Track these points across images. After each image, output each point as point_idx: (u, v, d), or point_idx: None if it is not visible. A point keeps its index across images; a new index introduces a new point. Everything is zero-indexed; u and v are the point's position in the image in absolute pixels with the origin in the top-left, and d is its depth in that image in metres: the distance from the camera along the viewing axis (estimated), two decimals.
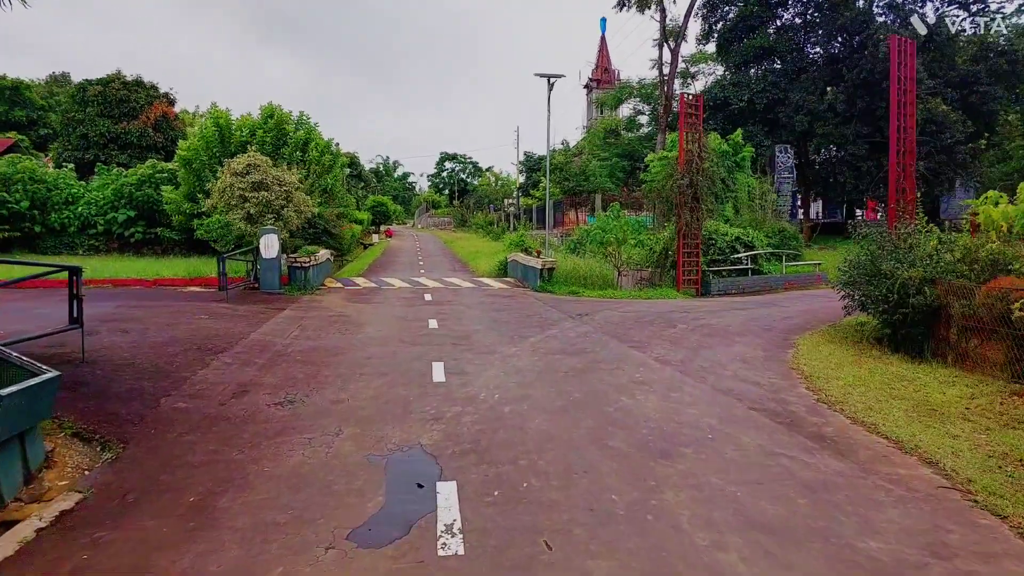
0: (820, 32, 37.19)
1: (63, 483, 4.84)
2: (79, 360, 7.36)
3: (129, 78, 39.70)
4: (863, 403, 7.28)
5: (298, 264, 17.44)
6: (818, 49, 38.55)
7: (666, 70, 36.77)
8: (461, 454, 5.40)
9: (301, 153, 29.04)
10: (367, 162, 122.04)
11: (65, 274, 7.29)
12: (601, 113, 69.11)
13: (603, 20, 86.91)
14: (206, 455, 5.28)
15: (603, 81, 77.54)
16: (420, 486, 4.77)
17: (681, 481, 4.94)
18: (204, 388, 7.18)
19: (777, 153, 34.33)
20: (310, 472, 4.96)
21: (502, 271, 22.32)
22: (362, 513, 4.29)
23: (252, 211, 18.64)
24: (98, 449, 5.39)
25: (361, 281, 19.76)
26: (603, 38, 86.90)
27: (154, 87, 40.81)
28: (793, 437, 6.11)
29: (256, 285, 17.09)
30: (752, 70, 38.08)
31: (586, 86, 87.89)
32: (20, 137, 50.69)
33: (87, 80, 39.61)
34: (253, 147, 23.16)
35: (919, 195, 17.59)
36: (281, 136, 29.69)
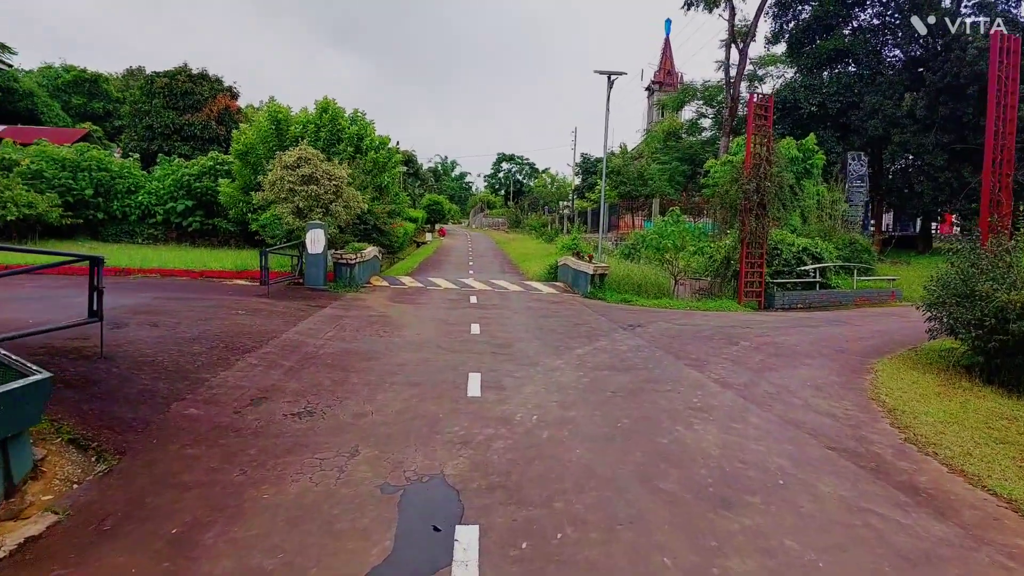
0: (900, 34, 34.97)
1: (47, 497, 4.36)
2: (97, 355, 7.00)
3: (195, 71, 40.77)
4: (960, 446, 6.24)
5: (344, 260, 17.12)
6: (897, 52, 36.28)
7: (733, 72, 35.23)
8: (488, 489, 4.69)
9: (355, 149, 29.03)
10: (426, 162, 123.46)
11: (105, 261, 6.91)
12: (662, 115, 67.47)
13: (668, 22, 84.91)
14: (204, 474, 4.73)
15: (666, 84, 75.74)
16: (437, 529, 4.08)
17: (748, 543, 4.09)
18: (221, 392, 6.69)
19: (849, 160, 32.37)
20: (313, 503, 4.33)
21: (552, 275, 21.56)
22: (363, 562, 3.63)
23: (301, 205, 18.46)
24: (93, 459, 4.91)
25: (407, 280, 19.36)
26: (667, 40, 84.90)
27: (218, 80, 41.74)
28: (880, 487, 5.17)
29: (301, 280, 16.85)
30: (824, 73, 36.12)
31: (647, 88, 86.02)
32: (94, 128, 52.81)
33: (155, 72, 40.85)
34: (305, 141, 23.11)
35: (1019, 208, 15.94)
36: (336, 131, 29.72)
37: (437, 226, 66.56)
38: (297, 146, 20.78)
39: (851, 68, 35.62)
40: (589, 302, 16.74)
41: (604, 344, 10.70)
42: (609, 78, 20.56)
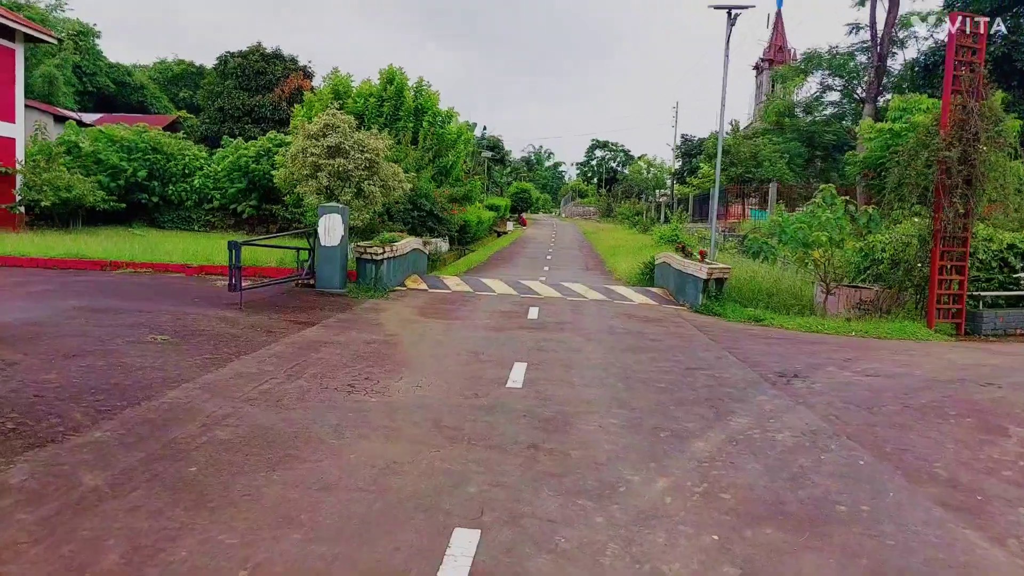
0: None
1: None
2: None
3: (269, 51, 38.43)
4: None
5: (367, 255, 12.95)
6: None
7: (879, 26, 28.30)
8: None
9: (415, 123, 25.04)
10: (519, 151, 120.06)
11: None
12: (773, 90, 59.63)
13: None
14: None
15: (776, 61, 67.93)
16: None
17: None
18: None
19: None
20: None
21: (647, 276, 16.56)
22: None
23: (326, 183, 14.52)
24: None
25: (454, 282, 14.91)
26: (779, 14, 76.43)
27: (293, 60, 39.24)
28: None
29: (311, 282, 12.86)
30: (1004, 19, 28.43)
31: (756, 67, 78.16)
32: (187, 115, 52.28)
33: (229, 52, 38.80)
34: (374, 128, 19.28)
35: None
36: (400, 105, 25.91)
37: (523, 215, 62.34)
38: (364, 125, 16.89)
39: None
40: (703, 321, 11.72)
41: (745, 426, 5.79)
42: (730, 13, 15.23)
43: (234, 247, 9.96)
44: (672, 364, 8.13)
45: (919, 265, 12.26)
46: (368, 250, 12.93)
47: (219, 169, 27.95)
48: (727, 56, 15.33)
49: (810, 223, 12.25)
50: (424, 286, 14.13)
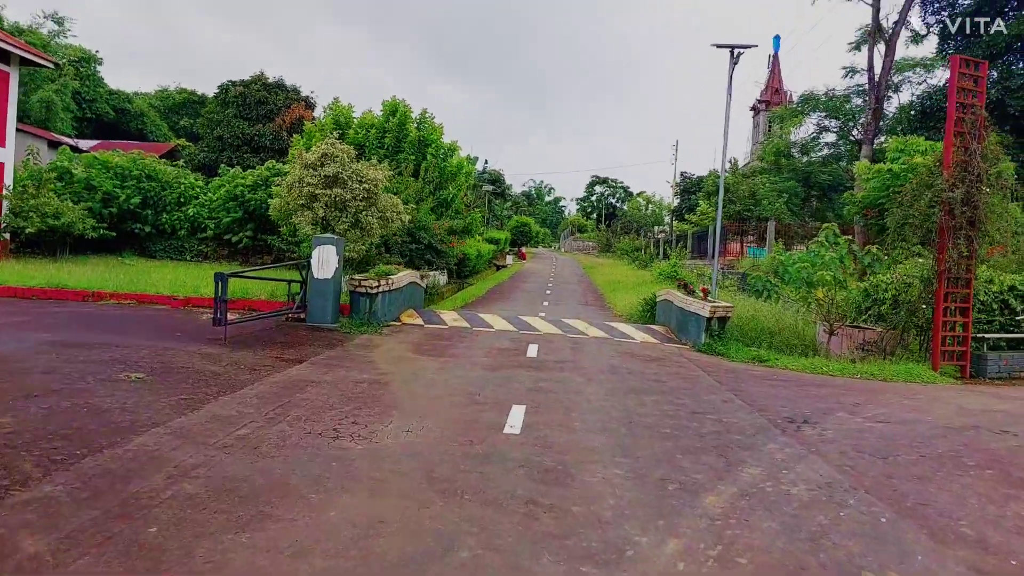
0: None
1: None
2: None
3: (271, 80, 38.62)
4: None
5: (362, 289, 12.62)
6: None
7: (877, 69, 28.54)
8: None
9: (417, 156, 24.96)
10: (520, 186, 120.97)
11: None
12: (770, 130, 60.21)
13: (776, 38, 78.38)
14: None
15: (773, 103, 69.34)
16: None
17: None
18: None
19: None
20: None
21: (648, 314, 16.24)
22: None
23: (322, 213, 14.28)
24: None
25: (450, 317, 14.56)
26: (775, 57, 78.24)
27: (295, 90, 39.41)
28: None
29: (302, 315, 12.49)
30: (997, 70, 28.78)
31: (753, 108, 79.79)
32: (186, 143, 52.48)
33: (231, 81, 38.95)
34: (373, 158, 19.19)
35: None
36: (403, 137, 25.86)
37: (523, 249, 62.26)
38: (364, 156, 16.66)
39: None
40: (706, 361, 11.36)
41: (757, 478, 5.40)
42: (732, 52, 15.21)
43: (220, 279, 9.62)
44: (677, 408, 7.75)
45: (923, 307, 11.96)
46: (363, 283, 12.60)
47: (214, 198, 27.72)
48: (729, 94, 15.28)
49: (814, 262, 11.98)
50: (420, 321, 13.76)
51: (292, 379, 7.98)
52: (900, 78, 40.82)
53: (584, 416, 7.10)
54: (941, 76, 36.01)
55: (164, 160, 31.07)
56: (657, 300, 15.84)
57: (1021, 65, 28.32)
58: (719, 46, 15.30)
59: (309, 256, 12.52)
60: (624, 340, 13.07)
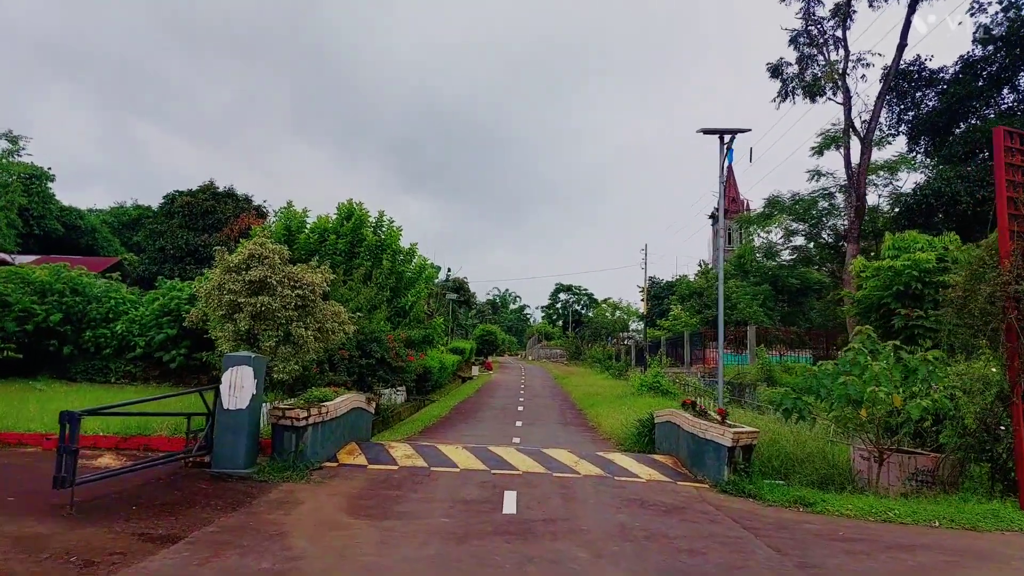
0: None
1: None
2: None
3: (221, 189, 36.84)
4: None
5: (286, 420, 9.71)
6: None
7: (854, 167, 27.87)
8: None
9: (373, 260, 22.73)
10: (484, 295, 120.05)
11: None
12: (737, 236, 60.55)
13: (731, 152, 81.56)
14: None
15: (731, 211, 70.94)
16: None
17: None
18: None
19: None
20: None
21: (645, 438, 13.50)
22: None
23: (245, 326, 11.60)
24: None
25: (403, 452, 11.49)
26: (730, 167, 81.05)
27: (247, 199, 37.66)
28: None
29: (205, 458, 9.46)
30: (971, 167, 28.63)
31: (711, 216, 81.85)
32: (133, 257, 49.81)
33: (177, 191, 37.08)
34: (313, 260, 16.93)
35: None
36: (358, 241, 23.72)
37: (489, 359, 59.41)
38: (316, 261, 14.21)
39: None
40: (739, 509, 8.61)
41: None
42: (723, 139, 13.68)
43: (69, 420, 6.72)
44: None
45: (1002, 428, 9.60)
46: (287, 413, 9.71)
47: (146, 313, 24.61)
48: (722, 182, 13.65)
49: (861, 375, 9.66)
50: (363, 460, 10.73)
51: None
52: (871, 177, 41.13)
53: None
54: (906, 178, 36.20)
55: (97, 274, 28.19)
56: (656, 422, 13.18)
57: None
58: (707, 131, 13.78)
59: (219, 381, 9.69)
60: (626, 479, 10.24)
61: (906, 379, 10.40)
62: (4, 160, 53.55)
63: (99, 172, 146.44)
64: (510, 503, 8.31)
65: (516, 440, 14.86)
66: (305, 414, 9.75)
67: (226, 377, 9.50)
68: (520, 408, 23.65)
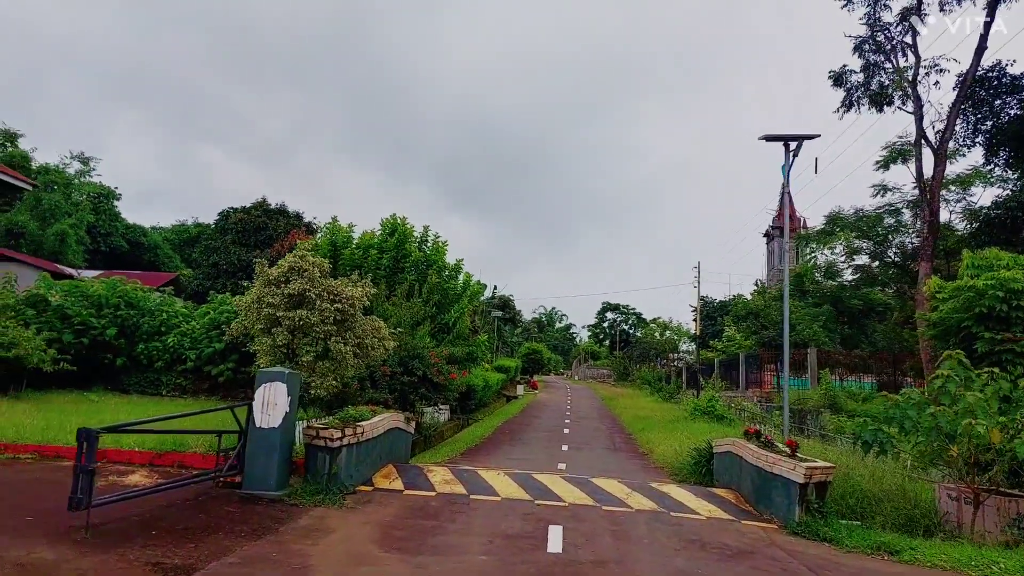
0: None
1: None
2: None
3: (273, 206, 37.45)
4: None
5: (320, 441, 9.23)
6: None
7: (926, 175, 26.10)
8: None
9: (418, 276, 22.39)
10: (530, 313, 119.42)
11: None
12: (785, 259, 58.36)
13: (785, 168, 79.33)
14: None
15: (789, 228, 68.38)
16: None
17: None
18: None
19: None
20: None
21: (703, 469, 12.52)
22: None
23: (282, 340, 11.24)
24: None
25: (441, 477, 10.82)
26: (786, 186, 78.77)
27: (298, 216, 38.19)
28: None
29: (236, 478, 9.05)
30: None
31: (766, 234, 79.39)
32: (187, 272, 51.29)
33: (232, 208, 37.88)
34: (355, 274, 16.69)
35: None
36: (402, 256, 23.46)
37: (535, 377, 58.55)
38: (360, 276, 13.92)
39: None
40: (814, 557, 7.62)
41: None
42: (787, 145, 12.76)
43: (87, 438, 6.34)
44: None
45: None
46: (321, 433, 9.22)
47: (197, 326, 24.84)
48: (786, 191, 12.65)
49: (952, 405, 8.58)
50: (400, 484, 10.13)
51: None
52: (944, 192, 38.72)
53: None
54: (981, 193, 34.01)
55: (151, 288, 28.76)
56: (715, 452, 12.19)
57: None
58: (770, 138, 12.89)
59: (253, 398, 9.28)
60: (683, 516, 9.33)
61: (1003, 411, 9.26)
62: (76, 180, 56.30)
63: (163, 191, 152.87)
64: (555, 540, 7.55)
65: (562, 466, 14.06)
66: (339, 434, 9.24)
67: (259, 394, 9.08)
68: (566, 431, 22.77)
